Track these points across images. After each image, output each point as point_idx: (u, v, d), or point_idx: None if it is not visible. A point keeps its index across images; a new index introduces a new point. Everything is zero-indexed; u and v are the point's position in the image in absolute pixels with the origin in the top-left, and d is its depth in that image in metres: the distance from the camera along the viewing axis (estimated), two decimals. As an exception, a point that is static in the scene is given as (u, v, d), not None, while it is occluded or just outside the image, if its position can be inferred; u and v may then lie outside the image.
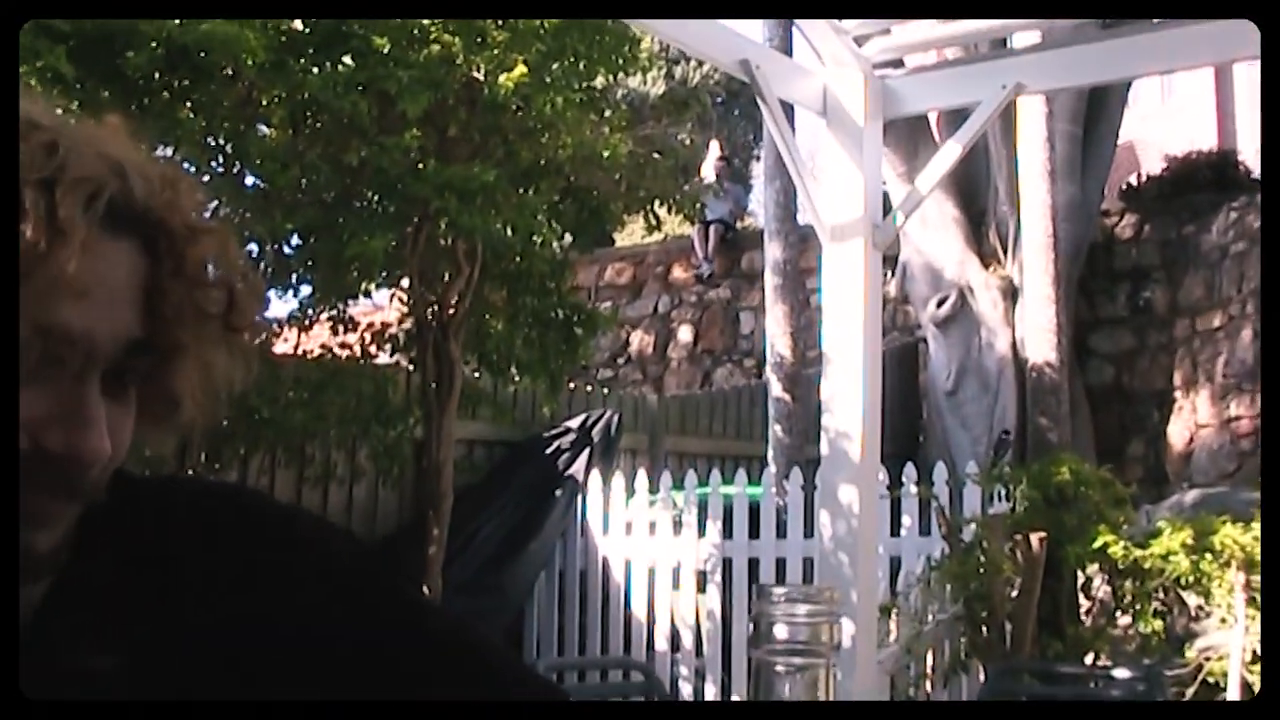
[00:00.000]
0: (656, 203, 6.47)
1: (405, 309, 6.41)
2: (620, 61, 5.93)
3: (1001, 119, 9.30)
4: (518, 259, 6.16)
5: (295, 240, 5.77)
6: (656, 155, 6.39)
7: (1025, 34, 6.55)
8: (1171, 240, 10.81)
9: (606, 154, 5.77)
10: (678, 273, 14.29)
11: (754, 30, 9.47)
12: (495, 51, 5.48)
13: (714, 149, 15.15)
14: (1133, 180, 12.26)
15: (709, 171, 14.62)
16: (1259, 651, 4.71)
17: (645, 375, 13.91)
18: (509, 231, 5.79)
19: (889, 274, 11.18)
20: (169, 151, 4.91)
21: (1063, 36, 5.02)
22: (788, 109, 5.11)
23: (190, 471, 5.85)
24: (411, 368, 6.60)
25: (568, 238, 6.71)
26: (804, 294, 10.54)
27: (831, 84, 5.00)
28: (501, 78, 5.39)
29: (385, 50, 5.23)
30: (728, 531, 7.81)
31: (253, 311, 0.94)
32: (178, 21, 4.70)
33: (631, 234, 16.41)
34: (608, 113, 6.21)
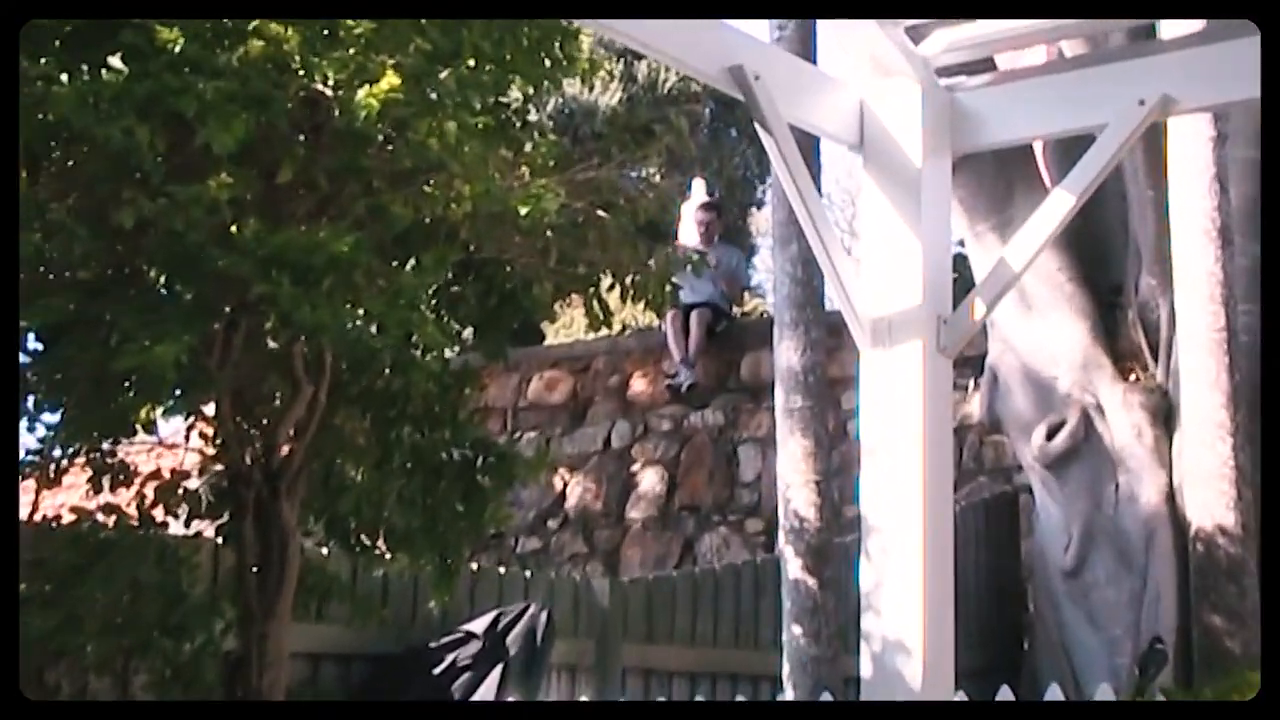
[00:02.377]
0: (605, 282, 6.45)
1: (212, 450, 6.36)
2: (548, 64, 5.95)
3: (1145, 147, 9.42)
4: (389, 371, 6.12)
5: (34, 343, 5.73)
6: (602, 212, 6.27)
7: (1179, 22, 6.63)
8: None
9: (526, 209, 5.70)
10: (640, 385, 14.36)
11: (755, 22, 9.48)
12: (352, 52, 5.48)
13: (697, 191, 15.23)
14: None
15: (689, 230, 14.68)
16: None
17: (591, 547, 13.92)
18: (375, 329, 5.76)
19: (969, 386, 11.16)
20: None
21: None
22: (806, 140, 5.28)
23: None
24: (221, 541, 6.53)
25: (468, 335, 6.70)
26: (836, 419, 10.46)
27: (873, 101, 5.10)
28: (362, 92, 5.38)
29: (177, 48, 5.22)
30: (722, 798, 7.74)
31: None
32: None
33: (569, 327, 16.40)
34: (529, 145, 6.19)
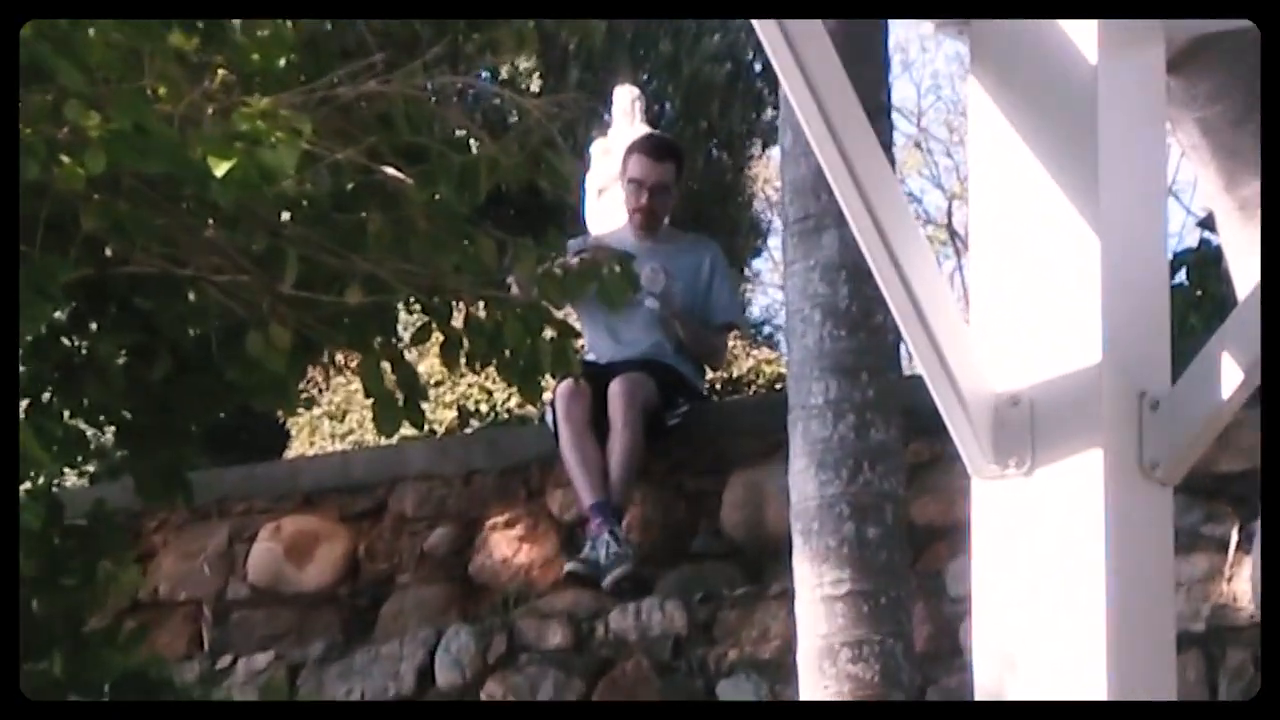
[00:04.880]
0: (410, 320, 4.10)
1: None
2: None
3: None
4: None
5: None
6: (396, 172, 3.35)
7: None
8: None
9: (227, 165, 2.99)
10: (500, 546, 7.84)
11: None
12: None
13: (623, 117, 9.82)
14: None
15: (605, 203, 9.36)
16: None
17: None
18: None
19: (1230, 541, 6.64)
20: None
21: None
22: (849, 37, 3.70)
23: None
24: None
25: (108, 443, 3.95)
26: (933, 616, 6.60)
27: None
28: None
29: None
30: None
31: None
32: None
33: (338, 423, 10.18)
34: (237, 24, 3.31)
